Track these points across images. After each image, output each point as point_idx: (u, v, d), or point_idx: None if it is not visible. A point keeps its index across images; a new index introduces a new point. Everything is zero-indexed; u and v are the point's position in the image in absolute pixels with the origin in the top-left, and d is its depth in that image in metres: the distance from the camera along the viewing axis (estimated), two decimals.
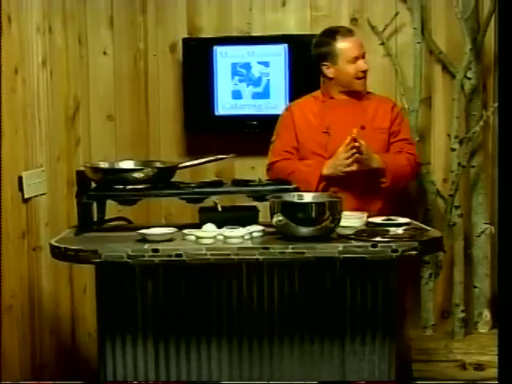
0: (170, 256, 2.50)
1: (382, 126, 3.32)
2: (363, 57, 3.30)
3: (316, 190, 3.15)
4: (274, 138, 3.43)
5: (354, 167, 3.17)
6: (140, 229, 2.66)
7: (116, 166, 3.00)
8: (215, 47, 3.93)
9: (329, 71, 3.32)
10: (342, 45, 3.28)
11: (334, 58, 3.29)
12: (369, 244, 2.52)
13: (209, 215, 2.78)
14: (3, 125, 3.03)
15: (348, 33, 3.32)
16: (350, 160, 3.16)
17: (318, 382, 2.70)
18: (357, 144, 3.14)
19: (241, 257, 2.51)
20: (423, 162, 3.80)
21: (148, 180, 2.79)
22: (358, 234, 2.61)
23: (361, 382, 2.70)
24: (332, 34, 3.32)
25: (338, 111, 3.32)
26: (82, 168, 2.89)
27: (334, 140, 3.26)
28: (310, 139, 3.32)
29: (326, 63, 3.31)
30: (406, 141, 3.37)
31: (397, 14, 3.86)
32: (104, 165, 3.01)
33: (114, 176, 2.80)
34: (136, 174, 2.79)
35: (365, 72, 3.30)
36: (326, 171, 3.23)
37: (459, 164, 3.70)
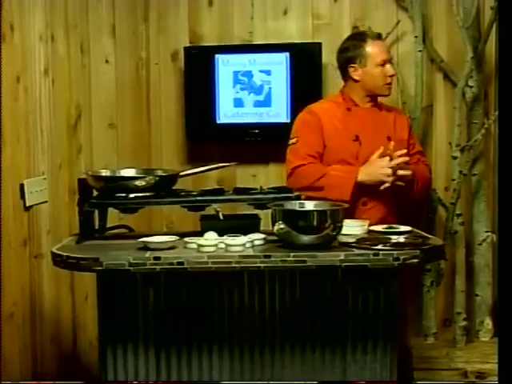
0: (171, 264, 2.50)
1: (403, 138, 3.33)
2: (390, 62, 3.32)
3: (350, 197, 3.10)
4: (293, 140, 3.30)
5: (391, 179, 3.14)
6: (141, 237, 2.66)
7: (118, 174, 3.00)
8: (217, 55, 3.94)
9: (356, 73, 3.28)
10: (372, 47, 3.28)
11: (362, 60, 3.27)
12: (370, 252, 2.52)
13: (210, 223, 2.78)
14: (5, 133, 3.04)
15: (377, 37, 3.33)
16: (390, 171, 3.12)
17: (318, 382, 2.69)
18: (397, 156, 3.13)
19: (242, 265, 2.51)
20: None
21: (149, 188, 2.79)
22: (360, 242, 2.61)
23: (361, 382, 2.70)
24: (362, 36, 3.33)
25: (364, 119, 3.30)
26: (83, 176, 2.90)
27: (364, 149, 3.23)
28: (339, 146, 3.25)
29: (353, 65, 3.28)
30: (420, 153, 3.43)
31: (398, 23, 3.87)
32: (106, 173, 3.02)
33: (116, 184, 2.80)
34: (138, 182, 2.79)
35: (391, 77, 3.31)
36: (361, 177, 3.16)
37: (461, 172, 3.70)
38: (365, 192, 3.19)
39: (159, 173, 2.99)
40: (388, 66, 3.29)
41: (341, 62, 3.36)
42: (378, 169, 3.15)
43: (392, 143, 3.16)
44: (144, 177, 2.84)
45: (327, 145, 3.27)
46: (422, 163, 3.38)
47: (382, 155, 3.14)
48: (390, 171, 3.13)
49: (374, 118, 3.32)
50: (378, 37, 3.34)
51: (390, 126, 3.33)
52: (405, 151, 3.16)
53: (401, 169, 3.15)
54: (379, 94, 3.32)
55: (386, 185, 3.14)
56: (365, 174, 3.16)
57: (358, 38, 3.35)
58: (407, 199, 3.29)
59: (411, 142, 3.39)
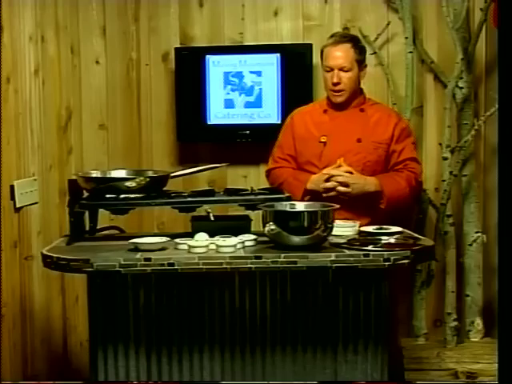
0: (162, 265, 2.49)
1: (381, 140, 3.27)
2: (342, 70, 3.22)
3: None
4: (276, 144, 3.45)
5: (332, 193, 3.15)
6: (132, 238, 2.66)
7: (108, 175, 3.00)
8: (207, 56, 3.94)
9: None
10: (326, 52, 3.28)
11: (322, 64, 3.31)
12: (361, 253, 2.52)
13: (201, 224, 2.78)
14: None
15: (335, 41, 3.26)
16: (328, 188, 3.15)
17: (318, 382, 2.70)
18: (336, 173, 3.14)
19: (233, 266, 2.51)
20: None
21: (140, 189, 2.79)
22: (351, 243, 2.62)
23: (360, 382, 2.70)
24: (328, 40, 3.32)
25: (336, 121, 3.30)
26: (74, 177, 2.89)
27: (328, 150, 3.26)
28: (306, 148, 3.31)
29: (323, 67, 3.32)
30: (410, 159, 3.31)
31: (388, 24, 3.88)
32: (96, 174, 3.01)
33: (106, 185, 2.80)
34: (128, 183, 2.79)
35: (335, 85, 3.23)
36: (309, 186, 3.22)
37: (451, 173, 3.71)
38: (322, 199, 3.11)
39: (150, 174, 2.99)
40: (332, 73, 3.23)
41: None
42: (319, 182, 3.18)
43: (342, 158, 3.15)
44: (134, 178, 2.84)
45: (297, 147, 3.34)
46: (407, 170, 3.28)
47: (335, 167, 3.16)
48: (326, 185, 3.16)
49: (349, 119, 3.30)
50: (337, 41, 3.25)
51: (365, 127, 3.28)
52: (345, 170, 3.14)
53: (342, 184, 3.14)
54: (331, 99, 3.31)
55: (330, 193, 3.16)
56: (312, 182, 3.20)
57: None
58: (375, 208, 3.22)
59: (395, 148, 3.28)
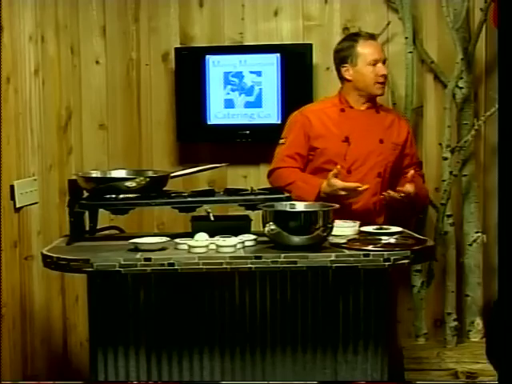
0: (162, 265, 2.49)
1: (397, 142, 3.33)
2: (384, 62, 3.32)
3: None
4: (282, 141, 3.36)
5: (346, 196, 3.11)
6: (132, 238, 2.66)
7: (108, 175, 3.00)
8: (207, 56, 3.93)
9: (348, 73, 3.31)
10: (363, 47, 3.30)
11: (354, 60, 3.30)
12: (361, 253, 2.52)
13: (201, 224, 2.78)
14: None
15: (369, 37, 3.36)
16: (341, 189, 3.09)
17: (318, 381, 2.70)
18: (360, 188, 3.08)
19: (233, 266, 2.51)
20: None
21: (140, 189, 2.79)
22: (351, 243, 2.62)
23: (360, 382, 2.70)
24: (355, 36, 3.37)
25: (357, 121, 3.30)
26: (74, 177, 2.89)
27: (352, 150, 3.25)
28: (329, 147, 3.27)
29: (345, 65, 3.32)
30: (418, 165, 3.42)
31: (388, 24, 3.88)
32: (96, 174, 3.01)
33: (106, 185, 2.80)
34: (128, 183, 2.79)
35: (384, 76, 3.30)
36: (324, 190, 3.12)
37: (451, 173, 3.71)
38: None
39: (150, 174, 2.99)
40: (379, 65, 3.29)
41: (336, 63, 3.39)
42: (331, 187, 3.09)
43: (338, 166, 3.09)
44: (134, 178, 2.84)
45: (316, 145, 3.28)
46: (419, 176, 3.35)
47: (335, 175, 3.08)
48: (340, 189, 3.07)
49: (368, 119, 3.32)
50: (371, 37, 3.37)
51: (384, 128, 3.32)
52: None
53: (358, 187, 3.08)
54: (371, 93, 3.32)
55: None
56: (325, 187, 3.12)
57: (350, 38, 3.38)
58: (404, 210, 3.27)
59: (408, 151, 3.36)
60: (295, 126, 3.34)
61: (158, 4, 4.00)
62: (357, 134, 3.27)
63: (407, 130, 3.40)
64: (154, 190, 2.83)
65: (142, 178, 2.83)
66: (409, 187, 3.12)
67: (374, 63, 3.29)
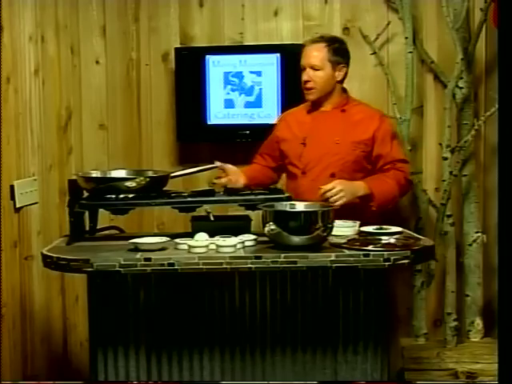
0: (162, 265, 2.49)
1: (359, 140, 3.25)
2: (313, 68, 3.25)
3: None
4: None
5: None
6: (132, 238, 2.66)
7: (108, 175, 3.00)
8: (207, 56, 3.94)
9: None
10: (303, 52, 3.31)
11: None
12: (361, 253, 2.52)
13: (201, 224, 2.78)
14: None
15: (312, 41, 3.32)
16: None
17: (318, 381, 2.70)
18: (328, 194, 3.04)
19: (233, 266, 2.51)
20: (415, 171, 3.81)
21: (140, 189, 2.79)
22: (350, 243, 2.62)
23: (360, 382, 2.70)
24: (305, 41, 3.39)
25: (318, 122, 3.32)
26: (74, 177, 2.89)
27: (307, 151, 3.28)
28: (289, 149, 3.35)
29: None
30: (398, 161, 3.29)
31: (388, 24, 3.88)
32: (96, 174, 3.01)
33: (106, 185, 2.80)
34: (128, 183, 2.79)
35: (305, 82, 3.28)
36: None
37: (451, 173, 3.71)
38: None
39: (150, 174, 2.99)
40: (305, 71, 3.28)
41: None
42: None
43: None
44: (134, 178, 2.84)
45: (282, 148, 3.39)
46: (395, 169, 3.26)
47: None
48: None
49: (330, 120, 3.31)
50: (314, 41, 3.30)
51: (344, 128, 3.27)
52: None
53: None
54: (305, 97, 3.35)
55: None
56: None
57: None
58: (367, 210, 3.18)
59: (380, 151, 3.26)
60: (273, 128, 3.48)
61: (158, 4, 4.01)
62: (313, 136, 3.29)
63: (375, 129, 3.27)
64: (154, 190, 2.84)
65: (142, 178, 2.83)
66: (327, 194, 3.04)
67: (303, 69, 3.30)
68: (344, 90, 3.36)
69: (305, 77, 3.28)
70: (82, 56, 4.01)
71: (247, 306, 2.69)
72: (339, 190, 3.00)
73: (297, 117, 3.40)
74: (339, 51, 3.30)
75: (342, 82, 3.33)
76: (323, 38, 3.33)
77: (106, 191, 2.77)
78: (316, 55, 3.27)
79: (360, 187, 3.14)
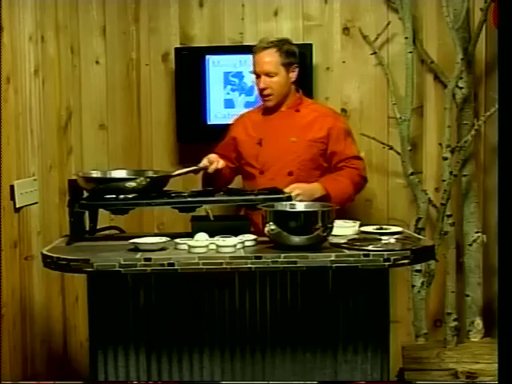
0: (162, 265, 2.49)
1: (315, 138, 3.28)
2: (268, 75, 3.26)
3: None
4: None
5: None
6: (132, 238, 2.66)
7: (108, 176, 3.00)
8: (207, 56, 3.93)
9: None
10: (253, 57, 3.32)
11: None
12: (361, 253, 2.52)
13: (201, 224, 2.78)
14: None
15: (260, 47, 3.30)
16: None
17: (318, 381, 2.70)
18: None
19: (233, 266, 2.51)
20: (415, 171, 3.82)
21: (140, 189, 2.79)
22: (350, 243, 2.62)
23: (360, 382, 2.70)
24: (253, 48, 3.36)
25: (273, 123, 3.34)
26: (74, 177, 2.89)
27: (264, 151, 3.31)
28: (245, 150, 3.37)
29: None
30: (352, 158, 3.32)
31: (388, 24, 3.88)
32: (96, 174, 3.01)
33: (106, 185, 2.80)
34: (128, 184, 2.79)
35: (263, 90, 3.29)
36: None
37: (451, 173, 3.71)
38: None
39: (150, 174, 2.99)
40: (260, 79, 3.28)
41: None
42: None
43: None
44: (135, 178, 2.84)
45: (239, 149, 3.40)
46: (349, 167, 3.29)
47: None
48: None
49: (284, 120, 3.33)
50: (264, 48, 3.29)
51: (300, 127, 3.30)
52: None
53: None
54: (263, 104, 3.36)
55: None
56: None
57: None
58: None
59: (334, 148, 3.28)
60: (229, 130, 3.48)
61: (158, 4, 4.01)
62: (269, 136, 3.31)
63: (330, 127, 3.30)
64: (154, 190, 2.83)
65: (142, 179, 2.83)
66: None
67: (257, 76, 3.30)
68: (297, 90, 3.39)
69: (261, 85, 3.29)
70: (81, 56, 4.01)
71: (247, 306, 2.69)
72: (297, 195, 3.02)
73: (252, 118, 3.42)
74: (290, 52, 3.33)
75: (295, 82, 3.35)
76: (272, 42, 3.32)
77: (106, 191, 2.77)
78: (269, 61, 3.27)
79: (317, 189, 3.17)
